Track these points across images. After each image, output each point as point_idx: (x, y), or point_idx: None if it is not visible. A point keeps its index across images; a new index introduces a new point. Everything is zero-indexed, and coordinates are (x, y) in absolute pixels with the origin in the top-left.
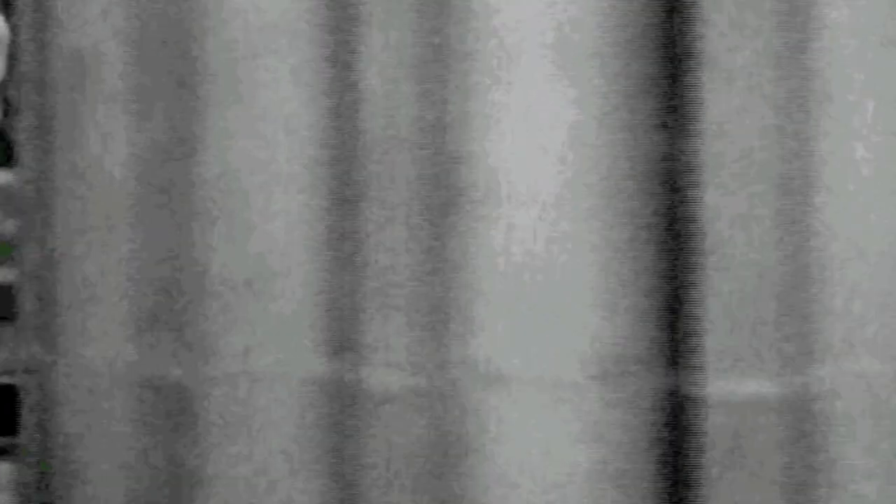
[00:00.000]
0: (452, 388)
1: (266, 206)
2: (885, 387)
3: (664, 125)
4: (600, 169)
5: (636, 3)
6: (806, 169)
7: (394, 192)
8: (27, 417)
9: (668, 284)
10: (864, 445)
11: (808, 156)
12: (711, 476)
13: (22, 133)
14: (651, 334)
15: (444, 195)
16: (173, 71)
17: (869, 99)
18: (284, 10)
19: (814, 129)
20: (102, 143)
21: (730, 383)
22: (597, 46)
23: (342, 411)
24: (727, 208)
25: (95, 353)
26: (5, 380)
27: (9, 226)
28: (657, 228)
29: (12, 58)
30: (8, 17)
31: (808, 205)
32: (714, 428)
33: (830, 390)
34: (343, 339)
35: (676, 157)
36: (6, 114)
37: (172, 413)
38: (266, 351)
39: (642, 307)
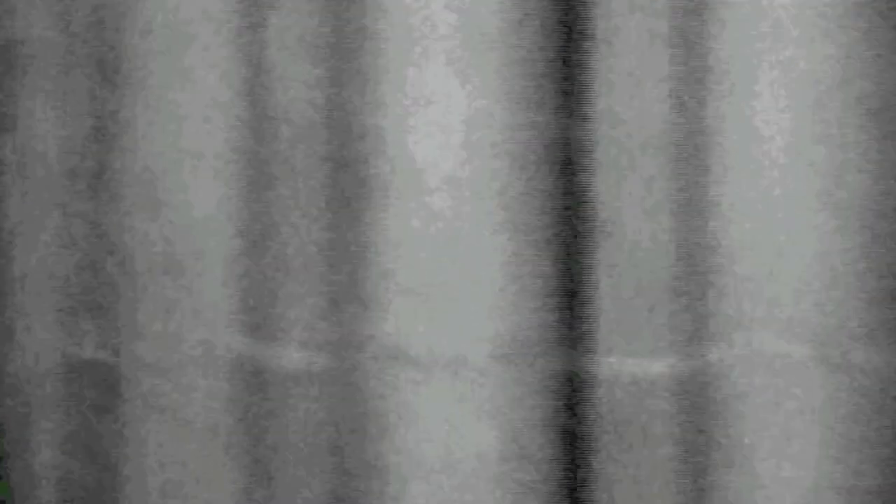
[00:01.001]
0: (362, 367)
1: (185, 190)
2: (789, 366)
3: (562, 108)
4: (502, 152)
5: None
6: (704, 150)
7: (305, 175)
8: None
9: (566, 266)
10: (762, 424)
11: (706, 136)
12: (609, 454)
13: None
14: (550, 316)
15: (353, 177)
16: (100, 59)
17: (773, 78)
18: None
19: (713, 110)
20: (35, 130)
21: (626, 363)
22: (495, 29)
23: (257, 390)
24: (623, 190)
25: (32, 337)
26: None
27: None
28: (556, 212)
29: None
30: None
31: (706, 186)
32: (611, 407)
33: (727, 369)
34: (258, 320)
35: (574, 139)
36: None
37: (101, 396)
38: (190, 333)
39: (542, 289)
